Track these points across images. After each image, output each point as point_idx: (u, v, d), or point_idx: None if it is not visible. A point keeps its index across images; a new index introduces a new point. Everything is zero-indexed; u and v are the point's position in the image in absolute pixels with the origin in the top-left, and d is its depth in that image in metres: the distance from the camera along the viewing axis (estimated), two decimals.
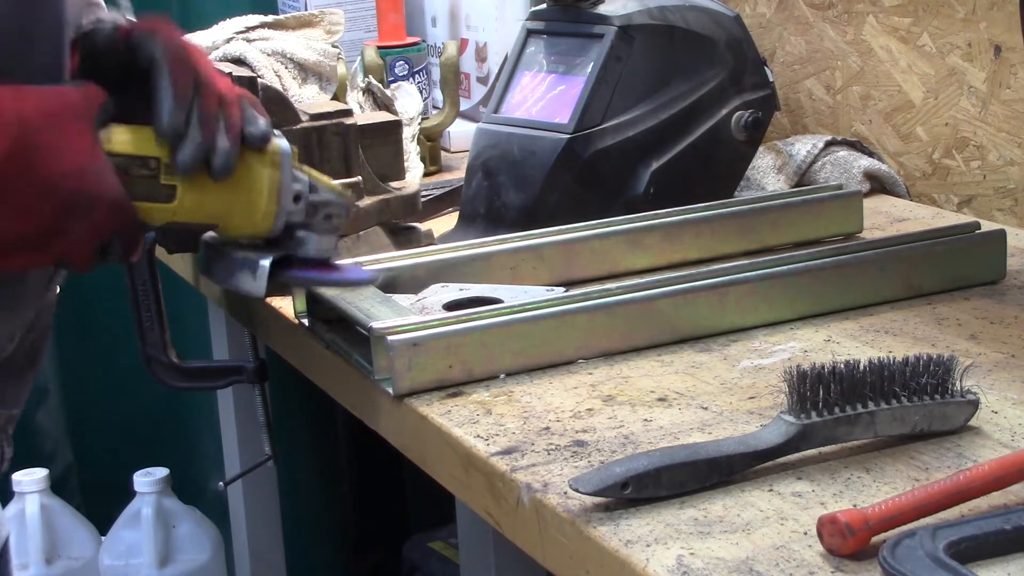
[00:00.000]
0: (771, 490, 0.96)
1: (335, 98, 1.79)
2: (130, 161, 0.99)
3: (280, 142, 1.05)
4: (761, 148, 1.69)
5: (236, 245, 1.07)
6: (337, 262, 1.10)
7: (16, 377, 1.07)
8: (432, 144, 1.94)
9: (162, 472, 2.11)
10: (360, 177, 1.48)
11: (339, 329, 1.29)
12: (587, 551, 0.93)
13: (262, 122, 1.03)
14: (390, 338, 1.15)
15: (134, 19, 1.05)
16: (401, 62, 2.05)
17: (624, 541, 0.90)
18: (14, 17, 0.94)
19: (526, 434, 1.07)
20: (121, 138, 0.99)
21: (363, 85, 1.83)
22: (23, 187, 0.92)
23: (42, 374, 2.21)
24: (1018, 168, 1.62)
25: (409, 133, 1.78)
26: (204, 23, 1.83)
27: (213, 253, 1.08)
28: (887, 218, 1.63)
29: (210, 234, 1.08)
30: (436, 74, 2.12)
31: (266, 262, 1.06)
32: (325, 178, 1.09)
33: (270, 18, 1.84)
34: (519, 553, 1.03)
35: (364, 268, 1.16)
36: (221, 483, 1.95)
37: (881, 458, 1.00)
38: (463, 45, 2.15)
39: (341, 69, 1.82)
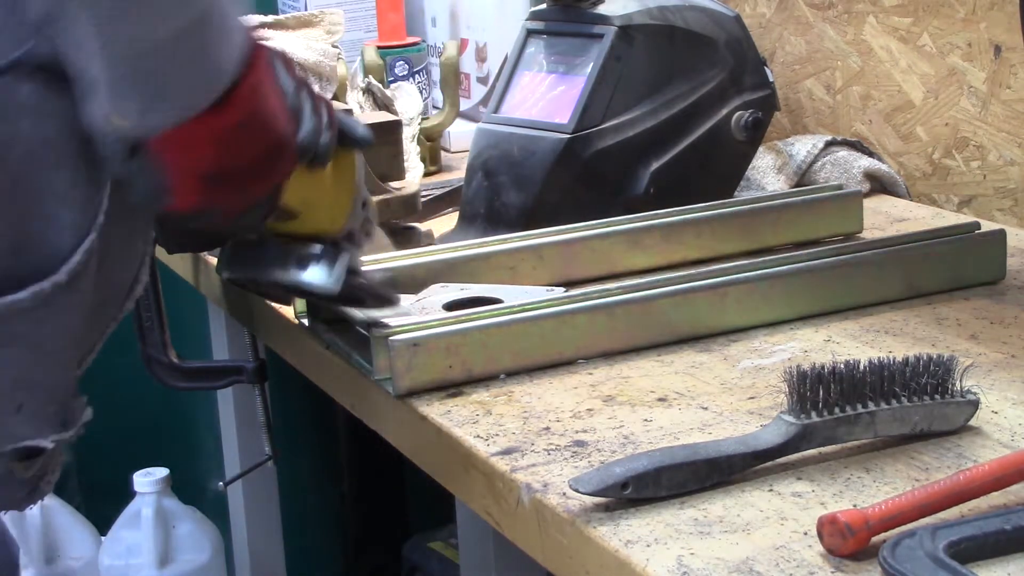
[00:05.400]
0: (771, 490, 0.96)
1: (335, 98, 1.79)
2: None
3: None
4: (761, 148, 1.69)
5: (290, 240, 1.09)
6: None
7: None
8: (432, 144, 1.94)
9: (162, 472, 2.11)
10: None
11: (339, 329, 1.29)
12: (587, 551, 0.93)
13: (362, 125, 1.10)
14: (390, 338, 1.15)
15: None
16: (401, 62, 2.05)
17: (624, 541, 0.90)
18: None
19: (526, 434, 1.07)
20: None
21: (363, 85, 1.83)
22: (254, 123, 0.97)
23: None
24: (1018, 168, 1.62)
25: (409, 133, 1.78)
26: None
27: (249, 247, 1.08)
28: (887, 218, 1.63)
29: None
30: (436, 74, 2.12)
31: (346, 255, 1.09)
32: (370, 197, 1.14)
33: (270, 18, 1.85)
34: (519, 553, 1.03)
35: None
36: (221, 483, 1.95)
37: (881, 458, 1.00)
38: (463, 45, 2.15)
39: (341, 69, 1.82)
